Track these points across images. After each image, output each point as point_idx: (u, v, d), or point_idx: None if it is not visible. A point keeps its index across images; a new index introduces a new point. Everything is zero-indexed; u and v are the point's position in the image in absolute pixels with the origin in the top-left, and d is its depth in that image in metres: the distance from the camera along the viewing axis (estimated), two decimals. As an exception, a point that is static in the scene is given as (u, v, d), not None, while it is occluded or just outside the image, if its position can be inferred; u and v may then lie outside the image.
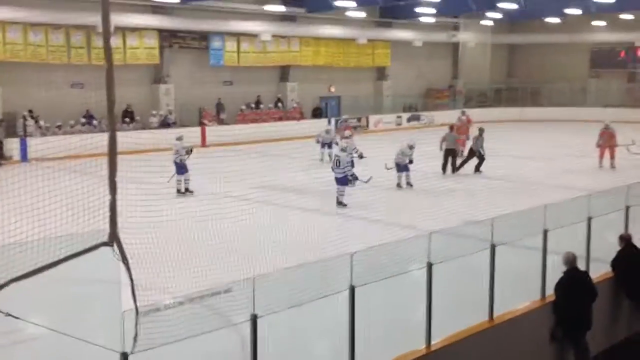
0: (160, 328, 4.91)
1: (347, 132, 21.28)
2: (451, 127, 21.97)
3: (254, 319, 5.57)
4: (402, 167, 18.51)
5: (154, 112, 28.65)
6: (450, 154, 20.85)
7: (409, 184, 18.56)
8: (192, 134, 26.12)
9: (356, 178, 16.85)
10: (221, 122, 30.54)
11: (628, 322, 9.46)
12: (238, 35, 31.07)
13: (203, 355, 7.02)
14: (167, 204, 12.29)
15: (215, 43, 30.55)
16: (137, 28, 27.72)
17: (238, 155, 18.68)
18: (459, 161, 21.13)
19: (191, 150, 17.77)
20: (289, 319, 6.43)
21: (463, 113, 26.20)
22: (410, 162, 18.84)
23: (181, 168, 17.30)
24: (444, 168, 20.82)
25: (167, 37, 29.18)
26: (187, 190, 17.33)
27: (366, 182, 17.09)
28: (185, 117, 29.77)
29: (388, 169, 18.37)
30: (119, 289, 6.74)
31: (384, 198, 16.92)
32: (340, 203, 16.13)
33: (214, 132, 27.67)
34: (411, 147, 18.60)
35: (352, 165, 16.76)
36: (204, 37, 30.24)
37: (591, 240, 9.11)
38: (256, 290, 5.56)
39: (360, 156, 19.26)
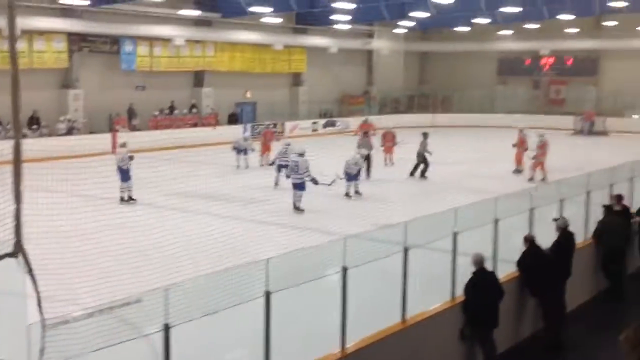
0: (68, 341, 4.77)
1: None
2: (365, 133, 22.62)
3: (166, 329, 5.48)
4: (351, 177, 18.17)
5: (61, 118, 27.73)
6: (367, 159, 21.22)
7: (357, 192, 18.30)
8: (102, 140, 25.56)
9: (316, 182, 16.83)
10: (133, 128, 29.87)
11: (533, 320, 9.84)
12: (151, 40, 30.52)
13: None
14: (74, 213, 11.91)
15: (127, 47, 29.89)
16: (45, 31, 26.80)
17: (151, 162, 18.28)
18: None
19: (132, 157, 17.48)
20: (203, 327, 6.36)
21: (365, 121, 27.08)
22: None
23: (126, 175, 17.03)
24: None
25: (77, 40, 28.35)
26: (130, 198, 17.01)
27: (329, 184, 17.19)
28: (96, 123, 28.96)
29: (340, 179, 17.98)
30: (24, 301, 6.50)
31: (301, 203, 16.97)
32: (297, 208, 16.17)
33: (126, 138, 27.03)
34: (362, 156, 18.76)
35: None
36: (115, 41, 29.53)
37: (498, 242, 9.44)
38: (169, 300, 5.48)
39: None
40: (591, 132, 36.42)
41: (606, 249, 11.59)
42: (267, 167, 23.03)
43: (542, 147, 21.22)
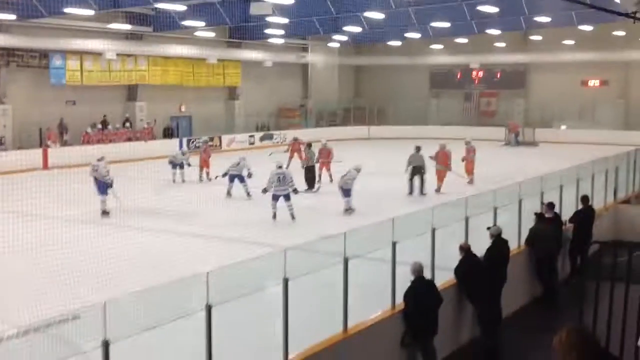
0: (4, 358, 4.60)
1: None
2: (309, 145, 22.79)
3: (105, 345, 5.35)
4: (347, 192, 17.84)
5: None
6: (309, 171, 21.77)
7: (350, 208, 17.83)
8: (32, 156, 24.80)
9: (297, 191, 17.44)
10: (64, 143, 29.14)
11: (471, 325, 10.03)
12: (81, 54, 29.88)
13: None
14: (4, 230, 11.54)
15: (56, 61, 29.19)
16: (-31, 45, 25.96)
17: (84, 177, 17.86)
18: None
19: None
20: (144, 343, 6.23)
21: (295, 140, 27.40)
22: (250, 175, 20.04)
23: (105, 188, 17.25)
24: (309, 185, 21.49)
25: (4, 55, 27.53)
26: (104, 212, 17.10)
27: (315, 191, 18.26)
28: (25, 139, 28.11)
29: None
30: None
31: (239, 215, 16.89)
32: (292, 216, 16.71)
33: (57, 153, 26.35)
34: (358, 171, 18.11)
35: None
36: (45, 55, 28.79)
37: (435, 250, 9.59)
38: (108, 315, 5.35)
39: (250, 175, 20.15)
40: (518, 142, 37.41)
41: (539, 256, 11.93)
42: (206, 181, 22.87)
43: (470, 152, 22.74)
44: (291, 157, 25.31)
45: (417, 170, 20.75)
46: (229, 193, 19.97)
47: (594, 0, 18.95)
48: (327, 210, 18.32)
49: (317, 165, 22.52)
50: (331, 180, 21.99)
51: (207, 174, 23.37)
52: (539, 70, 42.32)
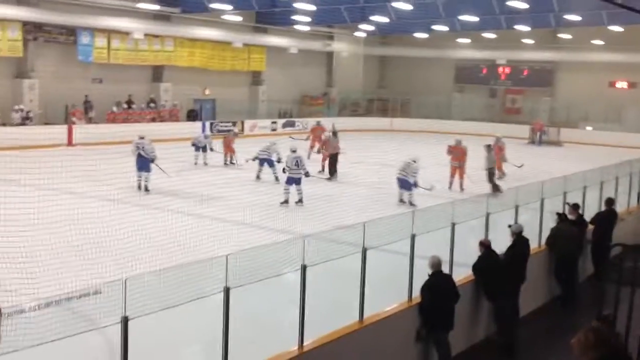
0: (24, 330, 4.66)
1: None
2: (334, 133, 22.76)
3: (124, 321, 5.41)
4: (405, 184, 17.76)
5: (16, 107, 27.09)
6: (334, 158, 21.76)
7: (411, 203, 17.46)
8: (57, 132, 25.04)
9: (308, 174, 18.03)
10: (89, 120, 29.37)
11: (487, 323, 10.00)
12: (108, 32, 30.04)
13: (70, 359, 6.74)
14: (33, 205, 11.66)
15: (84, 38, 29.38)
16: (-1, 19, 26.18)
17: (109, 155, 18.00)
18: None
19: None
20: (162, 321, 6.29)
21: (318, 123, 27.71)
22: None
23: (149, 165, 18.13)
24: (331, 172, 21.66)
25: (32, 29, 27.71)
26: (146, 188, 17.91)
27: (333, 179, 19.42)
28: (51, 114, 28.37)
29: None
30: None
31: (261, 200, 16.92)
32: (300, 201, 17.07)
33: (82, 130, 26.58)
34: (415, 162, 17.94)
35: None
36: (72, 31, 28.98)
37: (455, 245, 9.56)
38: (128, 292, 5.40)
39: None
40: (542, 142, 37.03)
41: (559, 256, 11.83)
42: (230, 165, 22.93)
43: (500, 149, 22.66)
44: (313, 143, 25.31)
45: (491, 171, 20.47)
46: (258, 177, 20.22)
47: (625, 0, 18.68)
48: (346, 200, 18.29)
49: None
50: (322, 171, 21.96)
51: (231, 157, 23.42)
52: (567, 69, 41.84)
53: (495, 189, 19.42)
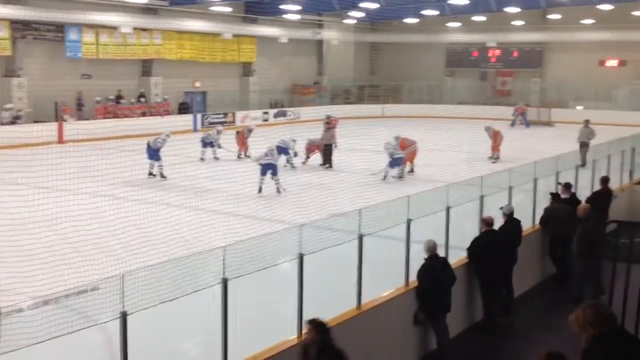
0: (23, 329, 4.67)
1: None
2: (327, 123, 22.77)
3: (123, 317, 5.42)
4: (395, 161, 19.31)
5: (5, 106, 26.96)
6: (328, 149, 21.91)
7: (394, 176, 19.42)
8: (47, 129, 24.90)
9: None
10: (81, 117, 29.27)
11: (484, 303, 10.05)
12: (96, 27, 29.89)
13: (70, 356, 6.75)
14: (27, 203, 11.66)
15: (72, 34, 29.24)
16: (-14, 17, 26.01)
17: (102, 151, 17.98)
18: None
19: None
20: (161, 315, 6.31)
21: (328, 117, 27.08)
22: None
23: (156, 155, 19.28)
24: (324, 162, 21.78)
25: (20, 27, 27.56)
26: (161, 175, 19.16)
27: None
28: (40, 112, 28.25)
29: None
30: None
31: (249, 192, 16.92)
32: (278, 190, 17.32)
33: (73, 127, 26.45)
34: (397, 139, 19.89)
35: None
36: (60, 28, 28.84)
37: (450, 229, 9.60)
38: (125, 287, 5.42)
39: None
40: (528, 123, 36.49)
41: (552, 236, 11.90)
42: (244, 159, 22.71)
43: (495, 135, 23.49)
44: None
45: (585, 144, 20.88)
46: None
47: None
48: (341, 187, 18.31)
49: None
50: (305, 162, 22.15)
51: (245, 152, 23.28)
52: (557, 49, 41.86)
53: None
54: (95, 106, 30.12)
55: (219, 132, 23.69)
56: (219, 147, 23.04)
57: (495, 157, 23.06)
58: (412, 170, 20.62)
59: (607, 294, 7.55)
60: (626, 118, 34.91)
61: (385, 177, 19.46)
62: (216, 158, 22.92)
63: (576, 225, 11.43)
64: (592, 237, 10.82)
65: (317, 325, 6.19)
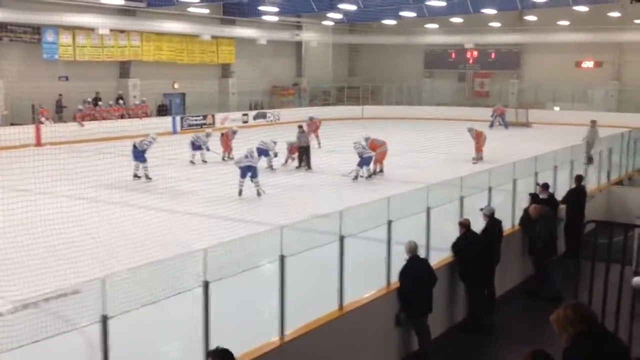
0: (3, 333, 4.61)
1: None
2: (300, 126, 22.76)
3: (104, 320, 5.37)
4: (364, 160, 19.66)
5: (-17, 109, 26.66)
6: (304, 151, 21.94)
7: (363, 176, 19.79)
8: (25, 132, 24.65)
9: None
10: (62, 120, 29.01)
11: (465, 304, 10.10)
12: (73, 29, 29.62)
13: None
14: (5, 206, 11.52)
15: (49, 36, 28.96)
16: (-40, 19, 25.66)
17: (80, 153, 17.82)
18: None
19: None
20: (142, 318, 6.26)
21: (311, 119, 27.34)
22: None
23: (142, 156, 19.34)
24: (300, 164, 21.94)
25: (-4, 29, 27.25)
26: (146, 176, 19.26)
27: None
28: (17, 115, 27.93)
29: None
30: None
31: (229, 194, 16.87)
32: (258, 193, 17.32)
33: (50, 129, 26.21)
34: (367, 139, 20.34)
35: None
36: (37, 30, 28.53)
37: (430, 229, 9.63)
38: (106, 291, 5.37)
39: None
40: (506, 124, 36.63)
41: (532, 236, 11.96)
42: (228, 161, 22.55)
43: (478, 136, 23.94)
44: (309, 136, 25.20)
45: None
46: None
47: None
48: (321, 189, 18.34)
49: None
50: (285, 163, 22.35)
51: (229, 154, 23.19)
52: (534, 51, 42.24)
53: None
54: (75, 110, 29.80)
55: (208, 135, 23.52)
56: (208, 149, 22.92)
57: (478, 158, 23.24)
58: (381, 171, 20.72)
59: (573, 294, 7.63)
60: (603, 119, 35.17)
61: (356, 177, 19.54)
62: (204, 161, 22.79)
63: (556, 225, 11.54)
64: (545, 237, 11.13)
65: (221, 355, 5.34)
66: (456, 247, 9.82)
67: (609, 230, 7.39)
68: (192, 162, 22.56)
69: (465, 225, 9.87)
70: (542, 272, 11.38)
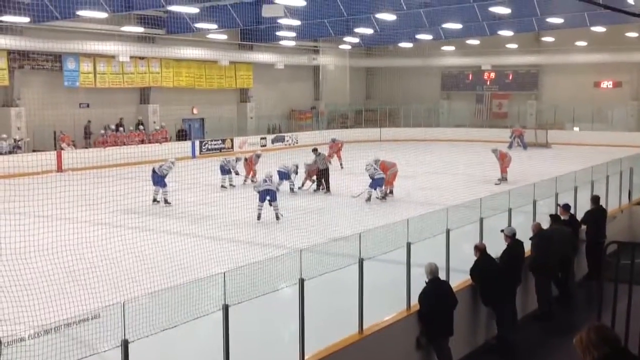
0: (25, 359, 4.64)
1: None
2: (315, 149, 22.77)
3: (125, 345, 5.39)
4: (376, 182, 19.65)
5: (4, 136, 27.02)
6: (323, 174, 21.86)
7: (377, 197, 19.83)
8: (46, 158, 24.94)
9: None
10: (88, 145, 29.47)
11: (486, 327, 10.01)
12: (94, 56, 30.04)
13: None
14: (27, 232, 11.62)
15: (70, 64, 29.39)
16: (-17, 48, 26.13)
17: (101, 179, 17.99)
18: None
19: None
20: (162, 342, 6.27)
21: (334, 141, 27.96)
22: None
23: (162, 180, 19.50)
24: (318, 187, 21.95)
25: (18, 57, 27.71)
26: (165, 201, 19.37)
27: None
28: (39, 142, 28.30)
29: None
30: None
31: (248, 218, 16.90)
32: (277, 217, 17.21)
33: (71, 156, 26.50)
34: (376, 162, 20.27)
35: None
36: (58, 57, 28.99)
37: (450, 251, 9.58)
38: (126, 315, 5.39)
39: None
40: (525, 145, 36.38)
41: (553, 258, 11.83)
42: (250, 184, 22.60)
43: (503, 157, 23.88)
44: (331, 157, 25.32)
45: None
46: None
47: (607, 1, 18.86)
48: (340, 211, 18.32)
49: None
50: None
51: (252, 177, 23.11)
52: (552, 71, 42.12)
53: None
54: (99, 138, 30.17)
55: (238, 160, 23.62)
56: (237, 174, 23.01)
57: (502, 179, 23.19)
58: (391, 192, 20.66)
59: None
60: (623, 139, 35.08)
61: (369, 198, 19.51)
62: (232, 185, 22.86)
63: (576, 246, 11.41)
64: (540, 256, 11.01)
65: None
66: (474, 272, 9.74)
67: (632, 251, 7.30)
68: (223, 187, 22.54)
69: (480, 249, 9.80)
70: (537, 292, 11.12)
